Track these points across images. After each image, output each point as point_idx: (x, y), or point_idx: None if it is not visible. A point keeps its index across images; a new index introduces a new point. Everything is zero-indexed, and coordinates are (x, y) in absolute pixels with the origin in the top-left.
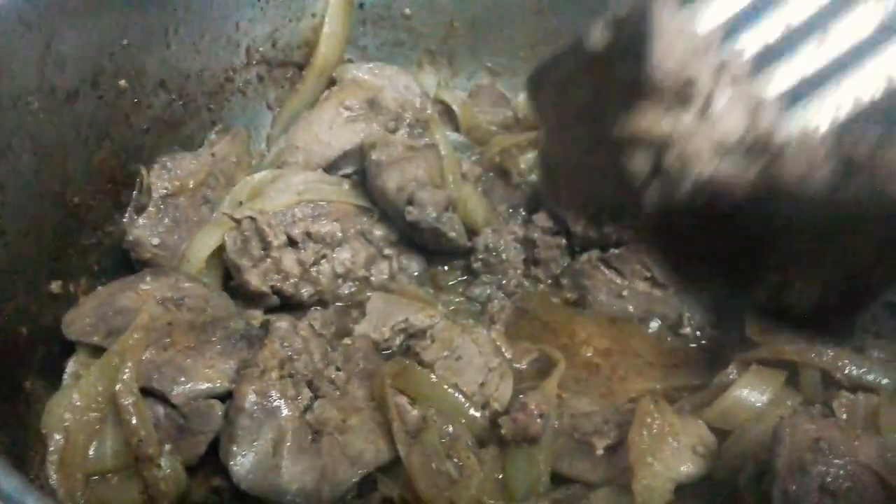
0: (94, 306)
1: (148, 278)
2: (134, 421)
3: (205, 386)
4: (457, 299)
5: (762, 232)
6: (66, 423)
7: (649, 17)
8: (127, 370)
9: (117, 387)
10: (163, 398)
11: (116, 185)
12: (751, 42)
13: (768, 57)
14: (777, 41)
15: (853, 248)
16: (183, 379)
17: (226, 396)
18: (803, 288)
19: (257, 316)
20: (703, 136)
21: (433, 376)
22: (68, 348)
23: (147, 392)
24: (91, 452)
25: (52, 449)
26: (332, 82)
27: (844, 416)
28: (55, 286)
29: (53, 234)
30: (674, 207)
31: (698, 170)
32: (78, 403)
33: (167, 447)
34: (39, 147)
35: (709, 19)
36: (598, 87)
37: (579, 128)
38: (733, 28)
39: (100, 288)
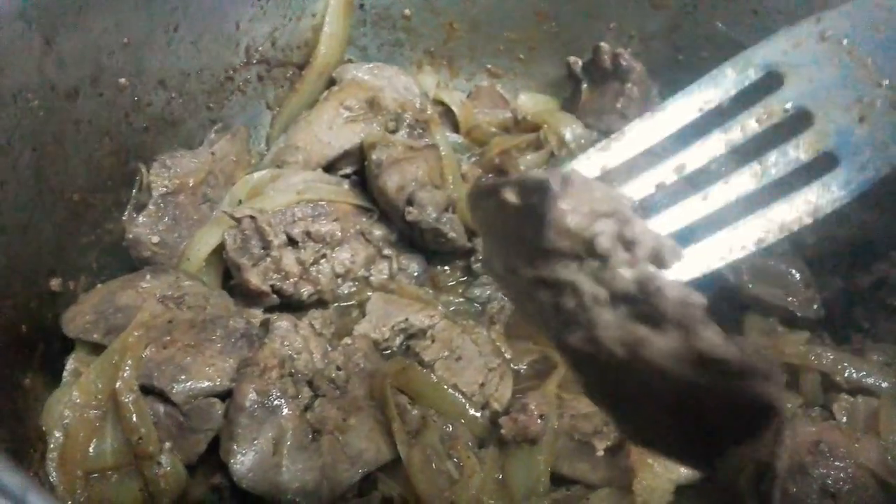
0: (94, 304)
1: (148, 276)
2: (134, 419)
3: (205, 384)
4: (456, 300)
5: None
6: (66, 421)
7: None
8: (127, 368)
9: (117, 384)
10: (163, 396)
11: (116, 183)
12: None
13: None
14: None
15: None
16: (183, 377)
17: (226, 395)
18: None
19: (257, 315)
20: (600, 287)
21: (433, 376)
22: (68, 345)
23: (147, 390)
24: (91, 450)
25: (51, 446)
26: (331, 82)
27: (844, 419)
28: (55, 284)
29: (53, 231)
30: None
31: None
32: (78, 401)
33: (167, 445)
34: (39, 145)
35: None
36: (517, 225)
37: (507, 250)
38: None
39: (99, 286)
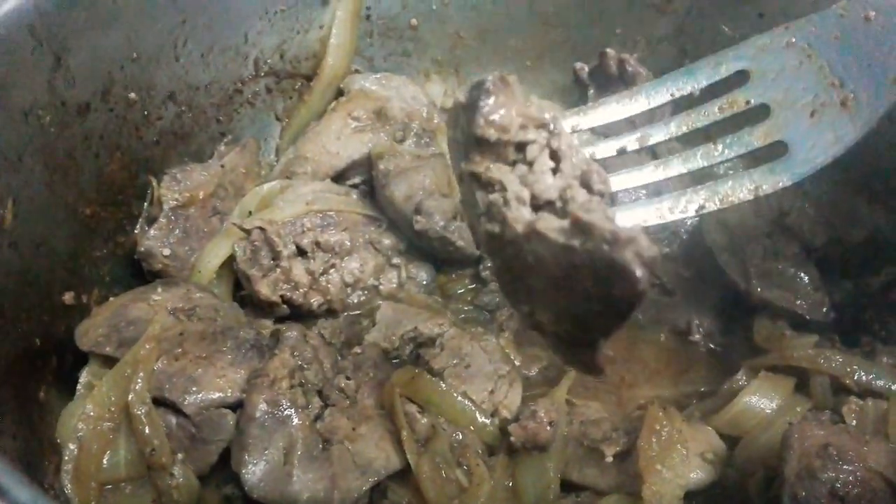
0: (107, 317)
1: (159, 289)
2: (147, 430)
3: (216, 395)
4: (465, 308)
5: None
6: (80, 433)
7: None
8: (139, 380)
9: (130, 397)
10: (174, 408)
11: (127, 196)
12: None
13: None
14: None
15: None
16: (194, 388)
17: (237, 406)
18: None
19: (267, 325)
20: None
21: (442, 384)
22: (81, 359)
23: (159, 402)
24: (105, 462)
25: (66, 458)
26: (339, 93)
27: (854, 422)
28: (68, 297)
29: (66, 245)
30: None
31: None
32: (91, 413)
33: (179, 456)
34: (51, 160)
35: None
36: (463, 131)
37: (459, 149)
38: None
39: (112, 299)
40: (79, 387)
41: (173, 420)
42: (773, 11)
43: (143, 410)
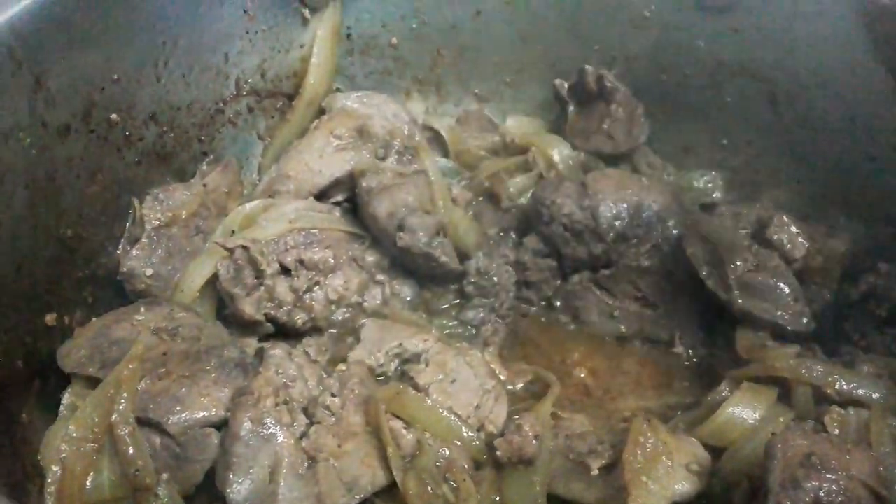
0: (89, 338)
1: (142, 309)
2: (131, 451)
3: (200, 415)
4: (450, 323)
5: None
6: (64, 455)
7: None
8: (123, 401)
9: (113, 417)
10: (159, 428)
11: (109, 217)
12: None
13: None
14: None
15: None
16: (178, 408)
17: (221, 424)
18: None
19: (252, 344)
20: None
21: (428, 400)
22: (64, 380)
23: (143, 422)
24: (88, 483)
25: (49, 480)
26: (321, 112)
27: (836, 431)
28: (50, 318)
29: (47, 267)
30: None
31: None
32: (74, 434)
33: (164, 476)
34: (32, 181)
35: None
36: None
37: None
38: None
39: (94, 320)
40: (62, 408)
41: (157, 440)
42: (748, 27)
43: (126, 431)
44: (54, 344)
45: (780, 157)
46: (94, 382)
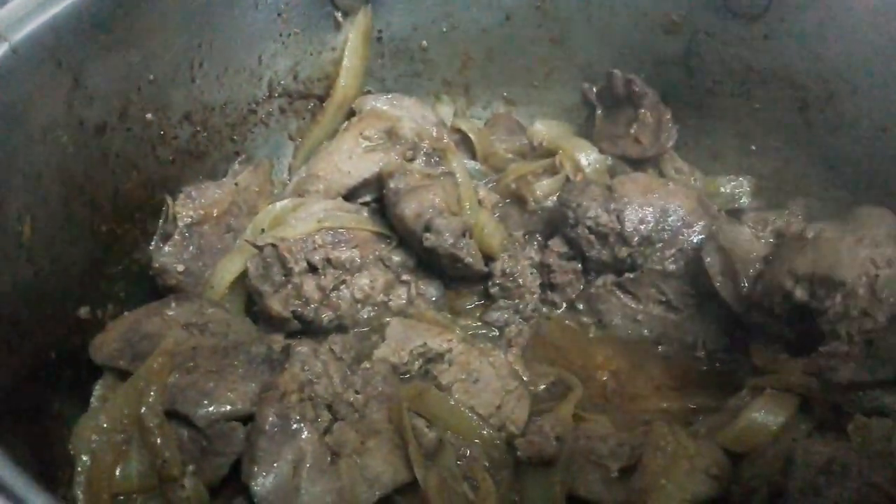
0: (121, 332)
1: (173, 304)
2: (158, 442)
3: (227, 408)
4: (474, 324)
5: None
6: (94, 445)
7: None
8: (152, 393)
9: (142, 409)
10: (186, 420)
11: (143, 214)
12: None
13: None
14: None
15: None
16: (206, 402)
17: (248, 419)
18: None
19: (279, 340)
20: None
21: (451, 399)
22: (95, 371)
23: (171, 414)
24: (117, 473)
25: (79, 469)
26: (351, 113)
27: (859, 440)
28: (83, 312)
29: (82, 261)
30: None
31: None
32: (105, 425)
33: (190, 468)
34: (69, 178)
35: None
36: None
37: None
38: None
39: (126, 314)
40: (93, 399)
41: (185, 433)
42: (779, 33)
43: (155, 423)
44: (87, 337)
45: (809, 164)
46: (124, 375)
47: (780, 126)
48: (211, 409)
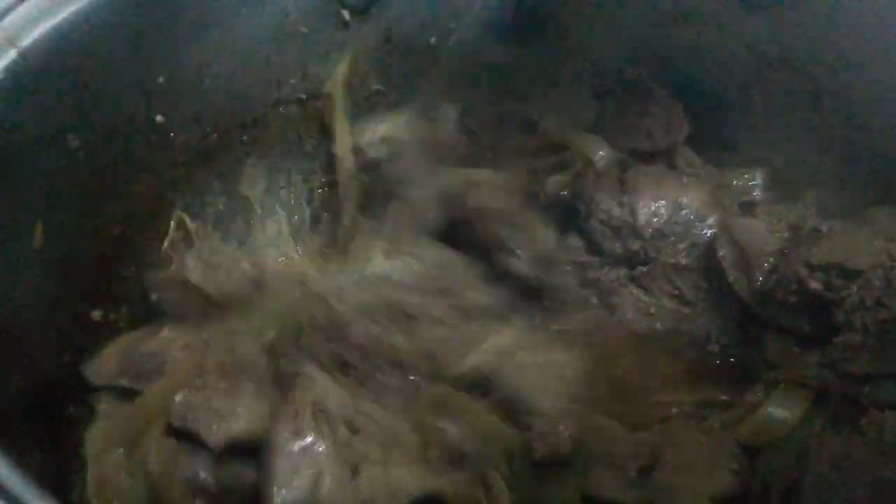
0: (117, 355)
1: (167, 328)
2: (157, 469)
3: (240, 427)
4: None
5: None
6: (103, 454)
7: None
8: (156, 413)
9: (147, 432)
10: (198, 440)
11: (154, 216)
12: None
13: None
14: None
15: None
16: (218, 420)
17: (260, 440)
18: None
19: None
20: None
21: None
22: None
23: (181, 433)
24: (126, 485)
25: (90, 475)
26: None
27: (873, 435)
28: (96, 315)
29: (95, 264)
30: None
31: None
32: (111, 437)
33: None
34: (79, 183)
35: None
36: None
37: None
38: None
39: (121, 337)
40: (99, 409)
41: (195, 455)
42: (792, 23)
43: (154, 447)
44: (100, 339)
45: (821, 156)
46: (125, 394)
47: (793, 117)
48: (223, 428)
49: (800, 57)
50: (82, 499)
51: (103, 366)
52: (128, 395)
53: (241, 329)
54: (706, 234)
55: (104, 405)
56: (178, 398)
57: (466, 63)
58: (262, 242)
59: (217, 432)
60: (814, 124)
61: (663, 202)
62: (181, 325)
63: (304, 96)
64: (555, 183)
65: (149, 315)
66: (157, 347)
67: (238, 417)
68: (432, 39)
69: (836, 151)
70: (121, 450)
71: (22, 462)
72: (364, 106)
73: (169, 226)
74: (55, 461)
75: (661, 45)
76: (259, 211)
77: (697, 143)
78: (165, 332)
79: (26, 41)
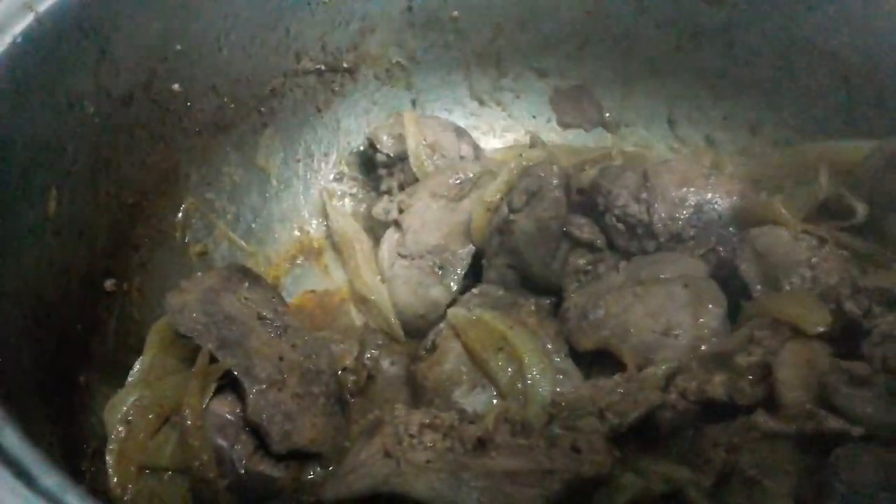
0: (198, 298)
1: (246, 284)
2: (197, 445)
3: (304, 441)
4: None
5: None
6: (130, 418)
7: None
8: (204, 393)
9: (185, 411)
10: (263, 434)
11: (169, 185)
12: None
13: None
14: None
15: None
16: (289, 427)
17: (317, 454)
18: None
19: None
20: None
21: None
22: (121, 342)
23: (252, 426)
24: (150, 447)
25: (112, 437)
26: None
27: None
28: (109, 284)
29: (108, 233)
30: None
31: None
32: (146, 403)
33: (225, 482)
34: (95, 149)
35: None
36: None
37: None
38: None
39: (198, 275)
40: (131, 374)
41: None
42: (823, 4)
43: (197, 424)
44: (112, 308)
45: (850, 139)
46: (174, 351)
47: (822, 100)
48: (292, 437)
49: (830, 38)
50: (92, 465)
51: (188, 312)
52: (174, 352)
53: (323, 337)
54: (727, 240)
55: (138, 369)
56: (260, 388)
57: (489, 37)
58: (277, 216)
59: (285, 440)
60: (843, 106)
61: (685, 203)
62: (258, 287)
63: (322, 67)
64: (588, 177)
65: (161, 287)
66: (238, 310)
67: (305, 430)
68: (455, 13)
69: (866, 134)
70: (150, 415)
71: (32, 433)
72: (383, 79)
73: (182, 195)
74: (67, 429)
75: (691, 24)
76: (274, 183)
77: (723, 123)
78: (245, 291)
79: (44, 6)
